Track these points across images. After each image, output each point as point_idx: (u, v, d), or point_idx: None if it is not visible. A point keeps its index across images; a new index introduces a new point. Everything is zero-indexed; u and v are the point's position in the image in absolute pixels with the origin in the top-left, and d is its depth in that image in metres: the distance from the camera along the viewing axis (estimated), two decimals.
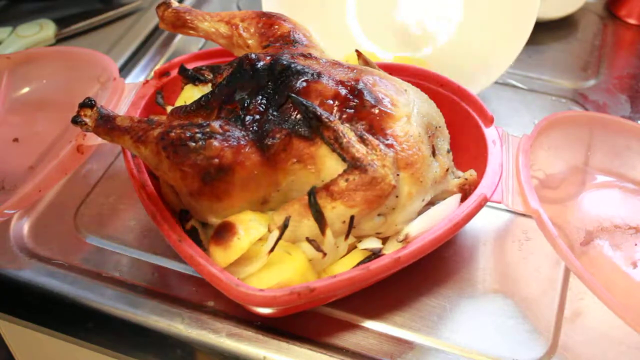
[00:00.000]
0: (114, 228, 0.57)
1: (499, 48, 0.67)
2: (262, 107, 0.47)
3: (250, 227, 0.46)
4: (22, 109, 0.65)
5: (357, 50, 0.56)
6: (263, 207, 0.48)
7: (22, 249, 0.55)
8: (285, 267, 0.45)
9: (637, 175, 0.58)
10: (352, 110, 0.47)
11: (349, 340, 0.49)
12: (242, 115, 0.47)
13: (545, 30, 0.81)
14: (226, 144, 0.44)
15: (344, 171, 0.45)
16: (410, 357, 0.48)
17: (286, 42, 0.54)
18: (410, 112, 0.48)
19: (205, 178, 0.44)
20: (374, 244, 0.48)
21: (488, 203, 0.50)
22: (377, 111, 0.47)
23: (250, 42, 0.56)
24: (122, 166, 0.60)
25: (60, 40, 0.79)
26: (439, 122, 0.51)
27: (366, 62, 0.54)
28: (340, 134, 0.45)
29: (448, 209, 0.49)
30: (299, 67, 0.48)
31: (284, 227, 0.45)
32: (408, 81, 0.54)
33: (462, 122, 0.55)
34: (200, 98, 0.50)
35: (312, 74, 0.48)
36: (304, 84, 0.47)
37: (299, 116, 0.46)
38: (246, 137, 0.45)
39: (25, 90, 0.67)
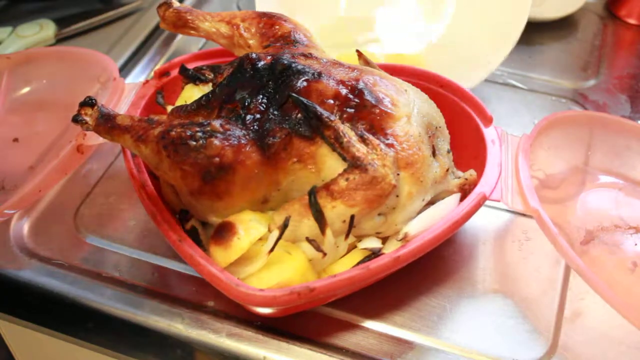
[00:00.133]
0: (114, 228, 0.57)
1: (492, 45, 0.68)
2: (263, 107, 0.47)
3: (250, 227, 0.46)
4: (22, 109, 0.65)
5: (357, 51, 0.56)
6: (263, 206, 0.48)
7: (22, 249, 0.55)
8: (285, 267, 0.45)
9: (637, 175, 0.58)
10: (353, 110, 0.47)
11: (349, 340, 0.49)
12: (243, 115, 0.47)
13: (545, 30, 0.82)
14: (227, 143, 0.44)
15: (345, 170, 0.45)
16: (410, 357, 0.48)
17: (287, 42, 0.54)
18: (410, 112, 0.48)
19: (205, 177, 0.44)
20: (373, 243, 0.48)
21: (488, 203, 0.50)
22: (377, 111, 0.47)
23: (251, 42, 0.56)
24: (122, 166, 0.60)
25: (60, 40, 0.79)
26: (439, 122, 0.51)
27: (367, 62, 0.54)
28: (341, 134, 0.45)
29: (447, 208, 0.49)
30: (299, 67, 0.48)
31: (284, 227, 0.45)
32: (408, 81, 0.54)
33: (461, 122, 0.55)
34: (201, 97, 0.50)
35: (313, 74, 0.48)
36: (305, 83, 0.47)
37: (299, 115, 0.46)
38: (247, 136, 0.45)
39: (25, 90, 0.67)
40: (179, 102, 0.57)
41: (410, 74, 0.58)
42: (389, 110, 0.47)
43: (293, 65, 0.48)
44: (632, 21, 0.84)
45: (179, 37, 0.80)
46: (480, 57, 0.68)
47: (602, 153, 0.59)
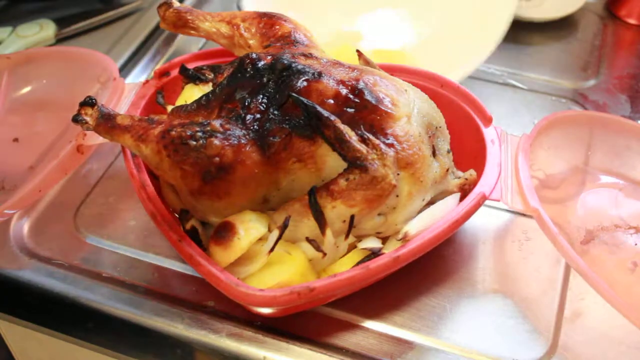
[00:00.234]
0: (114, 228, 0.57)
1: (477, 42, 0.68)
2: (263, 106, 0.47)
3: (250, 227, 0.46)
4: (22, 109, 0.65)
5: (357, 51, 0.56)
6: (263, 206, 0.48)
7: (22, 249, 0.55)
8: (285, 267, 0.45)
9: (637, 175, 0.58)
10: (353, 110, 0.47)
11: (349, 340, 0.49)
12: (243, 115, 0.47)
13: (545, 30, 0.82)
14: (227, 143, 0.44)
15: (345, 170, 0.45)
16: (410, 357, 0.48)
17: (287, 42, 0.54)
18: (410, 112, 0.48)
19: (205, 177, 0.44)
20: (374, 243, 0.48)
21: (488, 203, 0.50)
22: (377, 111, 0.47)
23: (251, 42, 0.56)
24: (122, 166, 0.60)
25: (60, 40, 0.79)
26: (439, 122, 0.51)
27: (367, 62, 0.54)
28: (341, 134, 0.45)
29: (447, 208, 0.49)
30: (299, 67, 0.48)
31: (284, 226, 0.45)
32: (408, 81, 0.54)
33: (461, 122, 0.55)
34: (201, 97, 0.50)
35: (313, 74, 0.48)
36: (305, 83, 0.47)
37: (299, 115, 0.46)
38: (247, 136, 0.45)
39: (25, 90, 0.67)
40: (179, 102, 0.57)
41: (410, 74, 0.58)
42: (389, 110, 0.47)
43: (293, 65, 0.48)
44: (632, 21, 0.84)
45: (179, 37, 0.80)
46: (464, 53, 0.68)
47: (602, 153, 0.59)
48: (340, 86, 0.47)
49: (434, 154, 0.49)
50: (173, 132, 0.45)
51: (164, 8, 0.59)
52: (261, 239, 0.46)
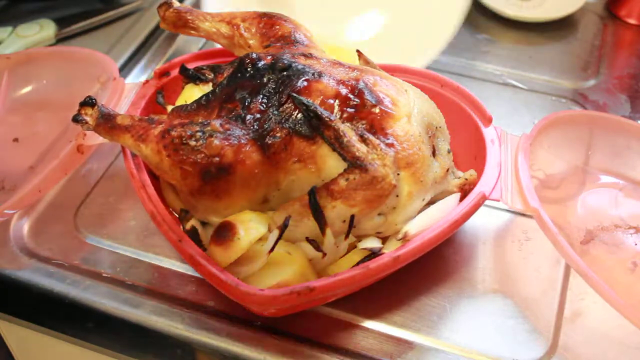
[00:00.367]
0: (114, 228, 0.57)
1: (430, 35, 0.69)
2: (263, 106, 0.47)
3: (250, 227, 0.46)
4: (22, 109, 0.65)
5: (357, 51, 0.56)
6: (263, 206, 0.48)
7: (22, 249, 0.55)
8: (285, 267, 0.45)
9: (637, 175, 0.58)
10: (353, 110, 0.47)
11: (349, 340, 0.49)
12: (243, 114, 0.47)
13: (545, 30, 0.82)
14: (227, 143, 0.44)
15: (345, 170, 0.45)
16: (410, 357, 0.48)
17: (287, 42, 0.54)
18: (410, 112, 0.48)
19: (205, 177, 0.44)
20: (374, 243, 0.48)
21: (488, 203, 0.50)
22: (377, 111, 0.47)
23: (251, 42, 0.56)
24: (122, 166, 0.60)
25: (60, 40, 0.79)
26: (440, 122, 0.51)
27: (367, 62, 0.54)
28: (341, 133, 0.45)
29: (447, 208, 0.49)
30: (300, 67, 0.48)
31: (284, 226, 0.45)
32: (408, 81, 0.54)
33: (461, 122, 0.55)
34: (201, 97, 0.50)
35: (313, 74, 0.48)
36: (305, 83, 0.47)
37: (299, 115, 0.46)
38: (247, 136, 0.45)
39: (25, 90, 0.67)
40: (179, 102, 0.57)
41: (410, 74, 0.58)
42: (389, 110, 0.47)
43: (293, 65, 0.48)
44: (632, 21, 0.84)
45: (179, 37, 0.80)
46: (418, 47, 0.68)
47: (602, 153, 0.59)
48: (341, 86, 0.47)
49: (434, 154, 0.49)
50: (173, 132, 0.45)
51: (164, 8, 0.59)
52: (261, 239, 0.46)
